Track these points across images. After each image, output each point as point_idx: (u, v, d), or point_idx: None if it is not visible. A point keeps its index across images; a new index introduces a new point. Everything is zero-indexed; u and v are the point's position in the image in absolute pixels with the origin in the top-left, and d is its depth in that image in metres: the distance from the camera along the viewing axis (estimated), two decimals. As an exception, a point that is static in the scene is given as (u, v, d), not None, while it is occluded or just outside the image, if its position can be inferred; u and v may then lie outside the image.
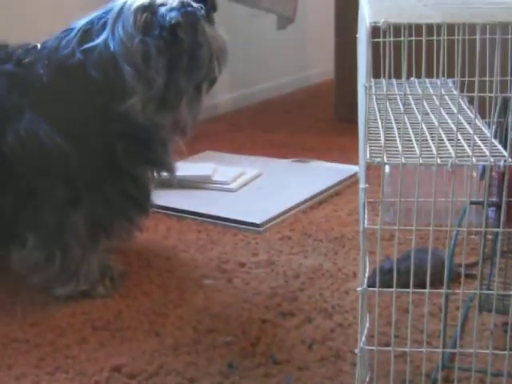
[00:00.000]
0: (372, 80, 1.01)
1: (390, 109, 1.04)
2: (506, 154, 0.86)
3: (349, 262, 1.49)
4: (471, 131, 0.92)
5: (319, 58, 3.60)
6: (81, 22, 1.31)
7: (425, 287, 0.90)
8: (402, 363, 1.03)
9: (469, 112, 1.09)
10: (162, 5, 1.26)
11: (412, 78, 1.24)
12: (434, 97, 1.12)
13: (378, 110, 1.05)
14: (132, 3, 1.27)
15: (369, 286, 0.89)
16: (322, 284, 1.40)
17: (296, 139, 2.59)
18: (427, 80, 1.23)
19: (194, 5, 1.27)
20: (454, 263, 1.13)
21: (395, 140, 0.92)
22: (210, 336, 1.21)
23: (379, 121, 1.01)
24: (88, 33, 1.29)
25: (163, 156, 1.40)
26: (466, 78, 1.12)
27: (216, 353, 1.16)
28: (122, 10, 1.27)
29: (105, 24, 1.28)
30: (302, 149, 2.40)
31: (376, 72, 0.92)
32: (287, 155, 2.30)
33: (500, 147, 0.89)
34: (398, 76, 1.03)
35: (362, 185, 0.87)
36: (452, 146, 0.87)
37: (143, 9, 1.26)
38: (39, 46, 1.33)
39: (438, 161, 0.84)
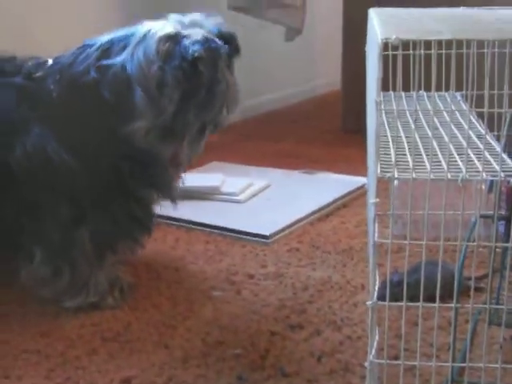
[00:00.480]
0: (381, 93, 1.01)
1: (399, 123, 1.05)
2: (515, 168, 0.86)
3: (357, 275, 1.50)
4: (481, 146, 0.92)
5: (326, 69, 3.61)
6: (100, 40, 1.31)
7: (434, 300, 0.90)
8: (411, 377, 1.03)
9: (478, 126, 1.09)
10: (187, 37, 1.25)
11: (421, 92, 1.25)
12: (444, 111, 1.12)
13: (388, 124, 1.05)
14: (157, 31, 1.26)
15: (378, 298, 0.90)
16: (330, 296, 1.40)
17: (302, 150, 2.59)
18: (436, 94, 1.23)
19: (218, 42, 1.27)
20: (463, 276, 1.13)
21: (405, 154, 0.92)
22: (219, 348, 1.21)
23: (389, 135, 1.01)
24: (107, 52, 1.29)
25: (167, 180, 1.40)
26: (475, 92, 1.12)
27: (225, 365, 1.16)
28: (145, 36, 1.27)
29: (125, 46, 1.28)
30: (308, 160, 2.40)
31: (385, 85, 0.92)
32: (294, 166, 2.30)
33: (510, 162, 0.89)
34: (406, 89, 1.04)
35: (371, 199, 0.87)
36: (462, 161, 0.88)
37: (167, 38, 1.25)
38: (51, 60, 1.34)
39: (449, 176, 0.85)
